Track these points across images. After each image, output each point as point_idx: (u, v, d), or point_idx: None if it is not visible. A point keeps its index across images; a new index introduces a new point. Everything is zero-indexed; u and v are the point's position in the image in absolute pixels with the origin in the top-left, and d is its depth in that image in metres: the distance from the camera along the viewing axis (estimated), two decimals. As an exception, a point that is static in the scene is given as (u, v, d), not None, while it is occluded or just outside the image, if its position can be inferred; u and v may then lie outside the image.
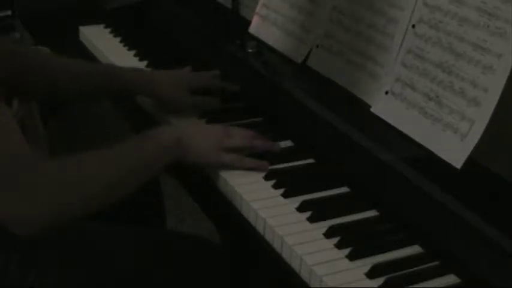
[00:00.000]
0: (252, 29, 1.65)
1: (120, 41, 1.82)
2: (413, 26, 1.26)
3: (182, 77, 1.50)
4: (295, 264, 1.06)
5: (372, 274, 1.02)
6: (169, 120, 1.43)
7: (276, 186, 1.21)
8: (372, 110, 1.30)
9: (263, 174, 1.24)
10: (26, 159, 1.03)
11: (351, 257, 1.05)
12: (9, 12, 2.21)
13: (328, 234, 1.10)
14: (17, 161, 1.02)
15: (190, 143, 1.23)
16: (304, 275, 1.04)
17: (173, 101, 1.45)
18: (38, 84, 1.42)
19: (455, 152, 1.13)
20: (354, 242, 1.07)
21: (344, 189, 1.22)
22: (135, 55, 1.75)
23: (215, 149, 1.24)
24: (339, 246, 1.07)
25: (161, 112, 1.46)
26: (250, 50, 1.57)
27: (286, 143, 1.35)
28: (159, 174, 1.52)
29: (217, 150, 1.24)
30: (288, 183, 1.21)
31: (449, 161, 1.13)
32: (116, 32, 1.87)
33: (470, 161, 1.11)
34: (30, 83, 1.41)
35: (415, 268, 1.04)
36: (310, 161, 1.30)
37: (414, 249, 1.08)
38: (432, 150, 1.17)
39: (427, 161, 1.16)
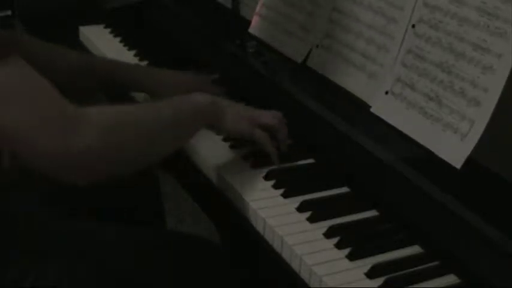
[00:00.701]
0: (252, 29, 1.65)
1: (120, 41, 1.82)
2: (413, 26, 1.26)
3: (181, 80, 1.50)
4: (295, 264, 1.06)
5: (372, 274, 1.02)
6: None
7: (276, 186, 1.21)
8: (371, 110, 1.30)
9: (263, 174, 1.24)
10: (70, 107, 1.03)
11: (351, 257, 1.05)
12: (9, 12, 2.21)
13: (328, 234, 1.10)
14: (63, 107, 1.02)
15: (226, 110, 1.25)
16: (304, 275, 1.04)
17: None
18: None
19: (455, 152, 1.13)
20: (354, 242, 1.08)
21: (344, 189, 1.22)
22: (135, 55, 1.75)
23: (248, 120, 1.27)
24: (339, 246, 1.07)
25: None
26: (250, 50, 1.57)
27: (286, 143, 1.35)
28: (157, 175, 1.53)
29: (250, 123, 1.27)
30: (288, 183, 1.21)
31: (449, 161, 1.13)
32: (116, 32, 1.87)
33: (470, 161, 1.11)
34: None
35: (415, 268, 1.04)
36: (310, 161, 1.30)
37: (414, 249, 1.08)
38: (432, 150, 1.17)
39: (427, 161, 1.16)
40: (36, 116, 1.00)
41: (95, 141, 1.03)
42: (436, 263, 1.06)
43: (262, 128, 1.27)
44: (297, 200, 1.17)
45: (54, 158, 1.01)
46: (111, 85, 1.47)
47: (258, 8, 1.64)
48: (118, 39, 1.84)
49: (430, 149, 1.17)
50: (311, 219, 1.13)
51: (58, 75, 1.42)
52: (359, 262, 1.04)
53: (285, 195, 1.19)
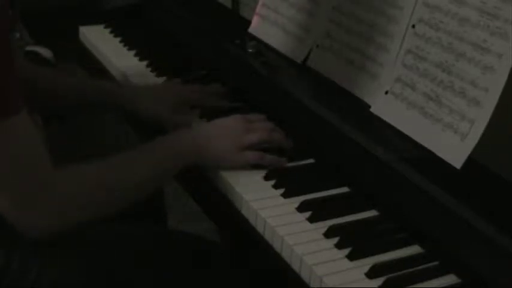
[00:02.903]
0: (252, 29, 1.65)
1: (120, 41, 1.82)
2: (413, 26, 1.26)
3: (163, 93, 1.48)
4: (295, 264, 1.06)
5: (372, 274, 1.02)
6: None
7: (276, 186, 1.21)
8: (371, 110, 1.30)
9: (263, 174, 1.24)
10: (46, 171, 1.03)
11: (351, 257, 1.05)
12: (9, 12, 2.21)
13: (328, 234, 1.10)
14: (37, 172, 1.03)
15: (209, 146, 1.22)
16: (304, 275, 1.04)
17: (153, 118, 1.44)
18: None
19: (455, 152, 1.13)
20: (354, 242, 1.07)
21: (344, 189, 1.22)
22: (135, 55, 1.75)
23: (234, 148, 1.23)
24: (339, 246, 1.07)
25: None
26: (250, 50, 1.57)
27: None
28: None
29: (237, 150, 1.23)
30: (288, 183, 1.21)
31: (449, 161, 1.13)
32: (116, 32, 1.87)
33: (470, 161, 1.11)
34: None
35: (415, 268, 1.04)
36: (310, 161, 1.30)
37: (414, 249, 1.08)
38: (432, 150, 1.17)
39: (427, 161, 1.16)
40: (7, 182, 1.01)
41: (58, 218, 1.06)
42: (436, 263, 1.06)
43: (252, 148, 1.25)
44: (297, 200, 1.17)
45: (15, 222, 1.04)
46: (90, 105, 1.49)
47: (258, 8, 1.64)
48: (118, 39, 1.84)
49: (430, 149, 1.17)
50: (311, 219, 1.13)
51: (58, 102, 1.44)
52: (359, 262, 1.04)
53: (285, 195, 1.19)
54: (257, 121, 1.31)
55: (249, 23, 1.66)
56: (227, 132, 1.25)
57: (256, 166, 1.26)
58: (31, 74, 1.41)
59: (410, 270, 1.04)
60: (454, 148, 1.13)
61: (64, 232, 1.09)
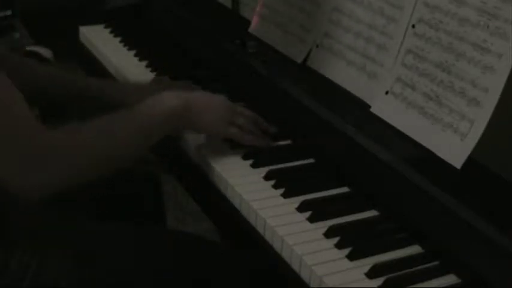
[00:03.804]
0: (252, 29, 1.65)
1: (120, 41, 1.82)
2: (413, 26, 1.26)
3: (153, 90, 1.48)
4: (295, 264, 1.06)
5: (372, 274, 1.02)
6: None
7: (276, 186, 1.21)
8: (371, 110, 1.30)
9: (263, 173, 1.24)
10: (32, 131, 1.05)
11: (351, 257, 1.05)
12: (9, 12, 2.21)
13: (328, 234, 1.10)
14: (24, 132, 1.04)
15: (200, 112, 1.27)
16: (304, 275, 1.04)
17: None
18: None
19: (455, 152, 1.13)
20: (354, 242, 1.08)
21: (344, 189, 1.22)
22: (135, 55, 1.75)
23: (222, 121, 1.29)
24: (339, 246, 1.07)
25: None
26: (250, 50, 1.57)
27: (286, 143, 1.35)
28: (160, 171, 1.54)
29: (224, 123, 1.29)
30: (288, 183, 1.21)
31: (449, 161, 1.13)
32: (116, 32, 1.87)
33: (470, 161, 1.11)
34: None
35: (415, 268, 1.04)
36: (310, 161, 1.30)
37: (414, 249, 1.08)
38: (432, 150, 1.17)
39: (427, 161, 1.16)
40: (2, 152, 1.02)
41: (61, 175, 1.08)
42: (436, 263, 1.06)
43: (236, 125, 1.30)
44: (297, 200, 1.17)
45: (19, 184, 1.05)
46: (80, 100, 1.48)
47: (258, 8, 1.64)
48: (118, 39, 1.84)
49: (430, 149, 1.17)
50: (311, 219, 1.13)
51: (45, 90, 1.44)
52: (359, 262, 1.04)
53: (285, 195, 1.19)
54: (243, 108, 1.35)
55: (249, 23, 1.66)
56: (217, 106, 1.31)
57: (255, 164, 1.26)
58: (30, 71, 1.41)
59: (410, 270, 1.04)
60: (454, 148, 1.13)
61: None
